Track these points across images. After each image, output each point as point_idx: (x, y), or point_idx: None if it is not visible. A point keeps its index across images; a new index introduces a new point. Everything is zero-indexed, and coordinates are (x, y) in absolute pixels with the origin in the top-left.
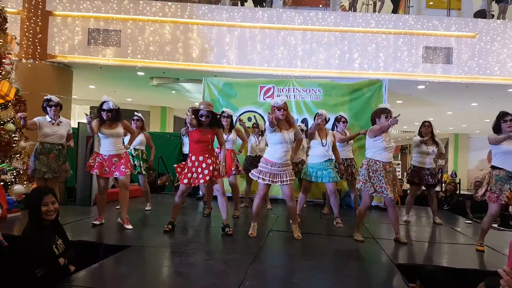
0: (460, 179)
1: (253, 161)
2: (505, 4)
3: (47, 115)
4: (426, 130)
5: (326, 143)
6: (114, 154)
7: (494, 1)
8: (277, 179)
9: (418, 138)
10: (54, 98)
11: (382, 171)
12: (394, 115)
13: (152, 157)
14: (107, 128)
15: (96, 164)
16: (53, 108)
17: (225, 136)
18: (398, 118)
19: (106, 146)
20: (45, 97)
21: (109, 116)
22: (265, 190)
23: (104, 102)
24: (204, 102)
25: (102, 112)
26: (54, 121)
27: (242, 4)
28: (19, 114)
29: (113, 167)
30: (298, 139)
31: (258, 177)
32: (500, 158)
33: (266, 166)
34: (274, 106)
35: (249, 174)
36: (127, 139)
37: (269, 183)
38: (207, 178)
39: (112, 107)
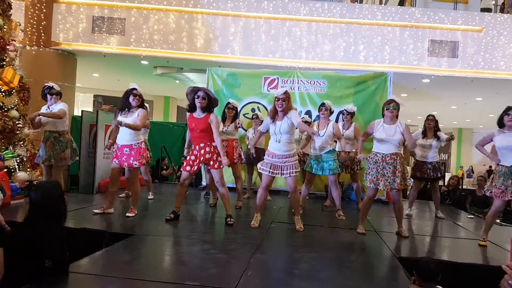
0: (463, 174)
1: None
2: None
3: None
4: (429, 123)
5: (323, 134)
6: (126, 144)
7: None
8: (278, 171)
9: (419, 132)
10: (56, 87)
11: (381, 163)
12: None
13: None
14: (122, 116)
15: (114, 153)
16: (54, 96)
17: (224, 128)
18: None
19: (120, 135)
20: (46, 84)
21: (138, 101)
22: (267, 181)
23: (134, 88)
24: (203, 87)
25: (132, 97)
26: (48, 109)
27: None
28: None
29: (124, 157)
30: (301, 130)
31: (260, 168)
32: (499, 154)
33: (268, 157)
34: (275, 97)
35: (257, 167)
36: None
37: (270, 174)
38: (195, 168)
39: (140, 92)
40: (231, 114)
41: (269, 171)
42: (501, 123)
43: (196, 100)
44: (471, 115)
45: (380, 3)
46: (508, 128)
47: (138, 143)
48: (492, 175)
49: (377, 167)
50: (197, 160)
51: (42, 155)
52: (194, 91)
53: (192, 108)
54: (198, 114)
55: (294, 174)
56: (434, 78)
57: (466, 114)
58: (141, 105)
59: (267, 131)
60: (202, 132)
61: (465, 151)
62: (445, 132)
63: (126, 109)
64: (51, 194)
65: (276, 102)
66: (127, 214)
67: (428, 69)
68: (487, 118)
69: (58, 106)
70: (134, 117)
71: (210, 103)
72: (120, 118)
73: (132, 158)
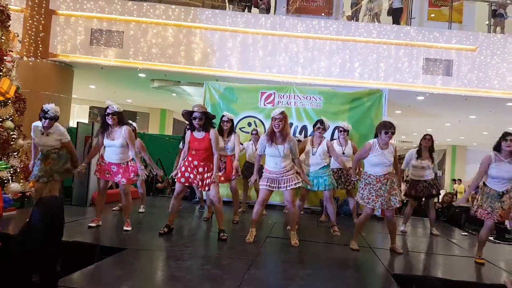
0: (457, 191)
1: (251, 167)
2: (501, 19)
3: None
4: (426, 143)
5: (316, 152)
6: (114, 163)
7: (491, 15)
8: (275, 185)
9: (412, 152)
10: (51, 112)
11: (376, 185)
12: (395, 127)
13: (151, 161)
14: (108, 138)
15: (99, 166)
16: (47, 120)
17: (225, 145)
18: None
19: (108, 153)
20: (43, 106)
21: (114, 120)
22: (265, 196)
23: (108, 106)
24: (198, 105)
25: (106, 117)
26: (43, 131)
27: (250, 10)
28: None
29: (112, 173)
30: (294, 154)
31: (260, 183)
32: (489, 180)
33: (265, 173)
34: (272, 117)
35: (260, 184)
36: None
37: (268, 188)
38: (191, 182)
39: (116, 110)
40: (227, 126)
41: (267, 185)
42: (498, 148)
43: (194, 121)
44: (465, 132)
45: (373, 21)
46: (506, 155)
47: (126, 162)
48: (478, 195)
49: (371, 188)
50: (191, 174)
51: (37, 174)
52: (189, 112)
53: (191, 127)
54: (199, 134)
55: (291, 187)
56: (429, 95)
57: (460, 132)
58: (121, 121)
59: (264, 152)
60: (203, 151)
61: (459, 168)
62: (439, 149)
63: (109, 129)
64: (55, 212)
65: (273, 122)
66: (125, 228)
67: (422, 86)
68: (481, 135)
69: (57, 132)
70: (119, 135)
71: (207, 120)
72: (105, 141)
73: (120, 176)
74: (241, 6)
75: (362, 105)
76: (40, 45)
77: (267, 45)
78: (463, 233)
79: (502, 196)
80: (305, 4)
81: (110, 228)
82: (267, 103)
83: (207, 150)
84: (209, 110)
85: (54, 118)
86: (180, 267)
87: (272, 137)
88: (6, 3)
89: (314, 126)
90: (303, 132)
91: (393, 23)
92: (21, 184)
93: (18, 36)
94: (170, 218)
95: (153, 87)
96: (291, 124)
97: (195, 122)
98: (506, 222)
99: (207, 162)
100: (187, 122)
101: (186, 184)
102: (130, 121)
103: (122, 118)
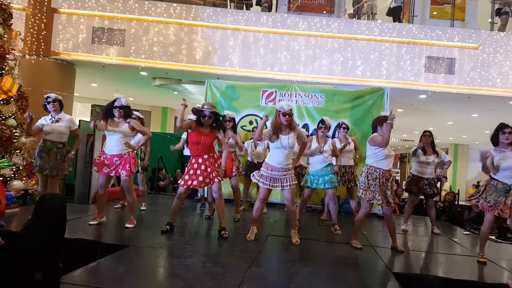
0: (459, 190)
1: (252, 167)
2: (506, 16)
3: (49, 115)
4: (427, 139)
5: (322, 150)
6: (116, 154)
7: (495, 14)
8: (277, 184)
9: (418, 148)
10: (53, 95)
11: (381, 179)
12: (392, 118)
13: (147, 157)
14: (112, 126)
15: (98, 161)
16: (51, 104)
17: (225, 140)
18: (393, 119)
19: (109, 145)
20: (45, 96)
21: (121, 113)
22: (265, 194)
23: (116, 99)
24: (208, 103)
25: (113, 109)
26: (53, 119)
27: (248, 8)
28: (28, 114)
29: (113, 166)
30: (302, 142)
31: (259, 181)
32: (498, 173)
33: (267, 171)
34: (280, 111)
35: (251, 176)
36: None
37: (269, 187)
38: (200, 182)
39: (124, 104)
40: (229, 126)
41: (269, 185)
42: (495, 141)
43: (203, 119)
44: (467, 131)
45: (368, 18)
46: (506, 146)
47: (127, 153)
48: (482, 187)
49: (378, 183)
50: (200, 174)
51: (41, 165)
52: (200, 110)
53: (199, 123)
54: (205, 129)
55: (291, 187)
56: (431, 94)
57: (462, 130)
58: (127, 115)
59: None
60: (208, 146)
61: (461, 167)
62: (441, 147)
63: (114, 118)
64: (57, 209)
65: (282, 117)
66: (126, 225)
67: (425, 85)
68: (483, 134)
69: (66, 118)
70: (124, 128)
71: (216, 119)
72: (108, 129)
73: (120, 167)
74: (241, 4)
75: (364, 104)
76: (42, 44)
77: (269, 43)
78: (465, 232)
79: (509, 191)
80: (306, 2)
81: (112, 225)
82: (268, 101)
83: (210, 144)
84: None
85: (56, 100)
86: (181, 265)
87: (277, 129)
88: (8, 1)
89: (317, 126)
90: (304, 130)
91: (394, 21)
92: (23, 181)
93: (20, 34)
94: (172, 216)
95: (154, 85)
96: None
97: (203, 120)
98: (508, 221)
99: (209, 153)
100: (195, 116)
101: (186, 186)
102: (133, 112)
103: (128, 112)
